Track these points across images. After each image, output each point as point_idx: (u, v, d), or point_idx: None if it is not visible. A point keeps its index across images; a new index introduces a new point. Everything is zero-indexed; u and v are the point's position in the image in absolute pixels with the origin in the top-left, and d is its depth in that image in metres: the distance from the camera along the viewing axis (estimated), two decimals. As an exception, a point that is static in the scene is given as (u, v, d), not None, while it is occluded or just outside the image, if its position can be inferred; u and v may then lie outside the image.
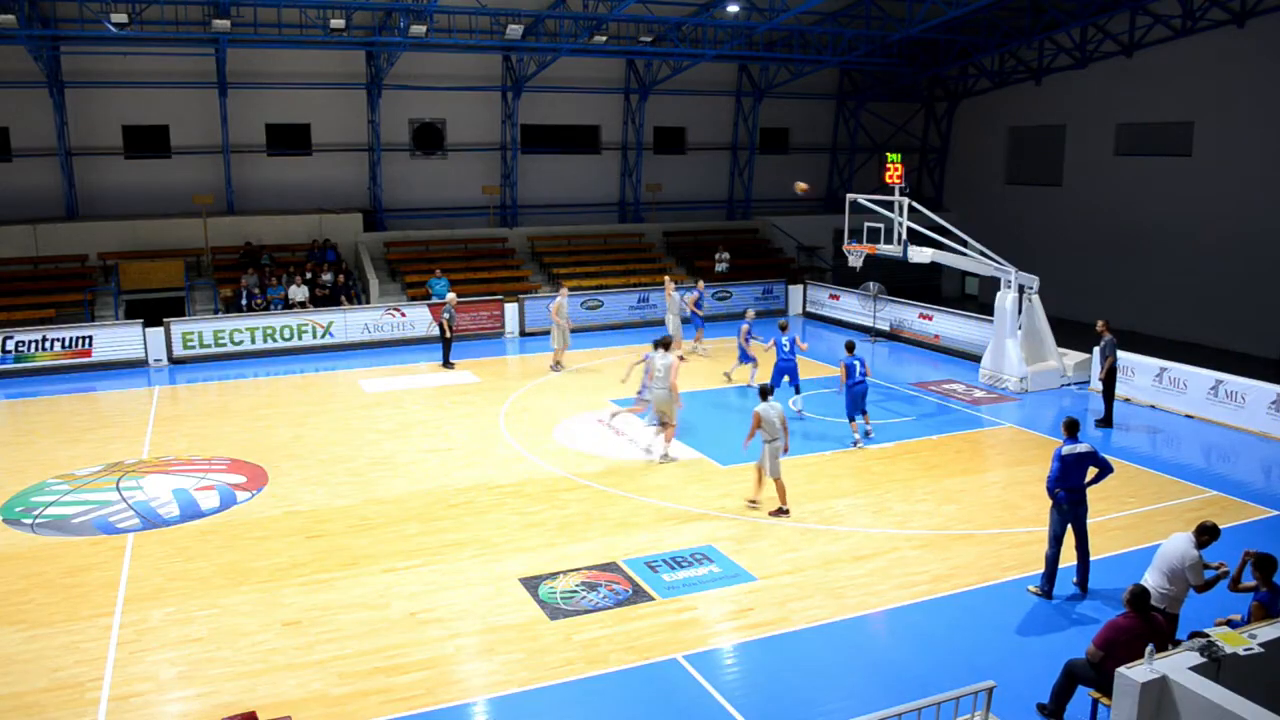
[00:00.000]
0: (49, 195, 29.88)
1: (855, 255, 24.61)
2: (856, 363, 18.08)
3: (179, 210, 30.65)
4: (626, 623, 11.28)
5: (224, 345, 26.50)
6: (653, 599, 11.84)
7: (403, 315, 28.36)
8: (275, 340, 26.99)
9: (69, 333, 25.22)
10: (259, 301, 28.22)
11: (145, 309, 27.31)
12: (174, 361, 26.06)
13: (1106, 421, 19.48)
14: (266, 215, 31.48)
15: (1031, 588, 12.03)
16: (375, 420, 20.11)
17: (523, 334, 29.29)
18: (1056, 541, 11.86)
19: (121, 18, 25.05)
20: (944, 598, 11.94)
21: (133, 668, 10.47)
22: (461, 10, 28.52)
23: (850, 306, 30.89)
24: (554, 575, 12.51)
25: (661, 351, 17.11)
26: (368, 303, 29.54)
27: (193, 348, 26.29)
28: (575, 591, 12.05)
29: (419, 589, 12.21)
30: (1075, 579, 12.10)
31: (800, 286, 33.56)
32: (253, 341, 26.80)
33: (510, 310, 29.44)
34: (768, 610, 11.50)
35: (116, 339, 25.60)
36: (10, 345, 24.64)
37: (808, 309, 33.10)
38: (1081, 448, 11.77)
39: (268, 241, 30.87)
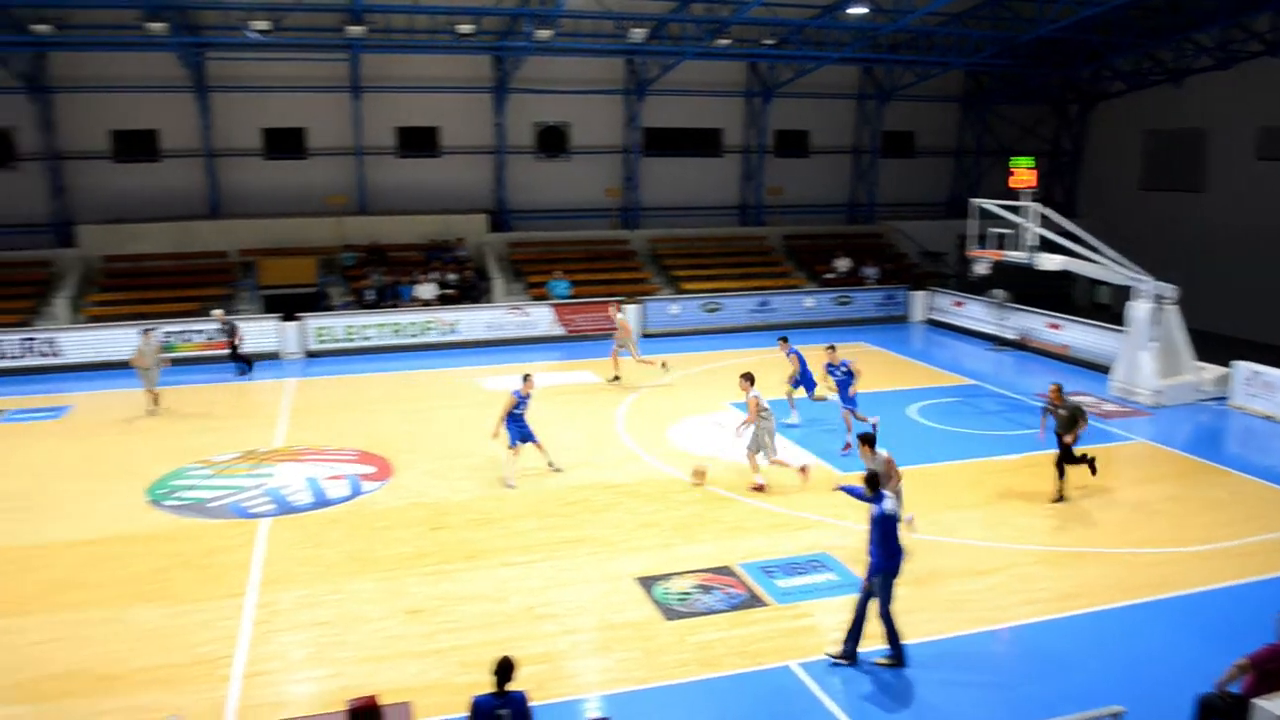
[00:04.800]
0: (194, 194, 31.37)
1: (981, 262, 24.05)
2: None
3: (313, 209, 31.84)
4: (741, 627, 11.28)
5: (354, 340, 27.43)
6: (767, 604, 11.80)
7: (524, 314, 28.89)
8: (402, 336, 27.84)
9: (210, 326, 26.42)
10: (388, 299, 29.11)
11: (281, 304, 28.44)
12: (307, 354, 27.09)
13: None
14: (395, 215, 32.41)
15: None
16: (492, 417, 20.50)
17: (643, 335, 29.50)
18: None
19: (263, 25, 26.15)
20: (1068, 617, 11.57)
21: (264, 647, 10.94)
22: (586, 14, 28.87)
23: (975, 314, 30.20)
24: (669, 576, 12.58)
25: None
26: (491, 302, 30.15)
27: (325, 342, 27.32)
28: (690, 593, 12.10)
29: (536, 584, 12.44)
30: None
31: (923, 293, 32.96)
32: (381, 337, 27.69)
33: (631, 311, 29.68)
34: (884, 620, 11.35)
35: (253, 332, 26.72)
36: (159, 336, 25.90)
37: (931, 316, 32.49)
38: None
39: (396, 241, 31.80)
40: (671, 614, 11.57)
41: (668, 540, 13.84)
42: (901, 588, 11.97)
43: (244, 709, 9.70)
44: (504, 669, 7.61)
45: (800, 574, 12.57)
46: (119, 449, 18.80)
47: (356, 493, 16.09)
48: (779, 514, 14.82)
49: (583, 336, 29.24)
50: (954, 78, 37.97)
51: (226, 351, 25.43)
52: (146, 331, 21.15)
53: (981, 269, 24.27)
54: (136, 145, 31.01)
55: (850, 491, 11.03)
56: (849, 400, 18.10)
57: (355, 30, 26.85)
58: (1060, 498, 15.43)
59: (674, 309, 30.52)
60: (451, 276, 30.27)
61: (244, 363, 25.35)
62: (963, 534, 14.08)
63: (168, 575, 12.95)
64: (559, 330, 29.24)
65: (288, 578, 12.77)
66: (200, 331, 26.35)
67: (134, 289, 29.05)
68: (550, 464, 16.90)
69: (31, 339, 26.03)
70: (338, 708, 7.98)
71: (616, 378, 23.81)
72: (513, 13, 28.54)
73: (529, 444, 16.47)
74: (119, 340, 25.59)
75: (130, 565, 13.25)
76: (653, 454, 17.79)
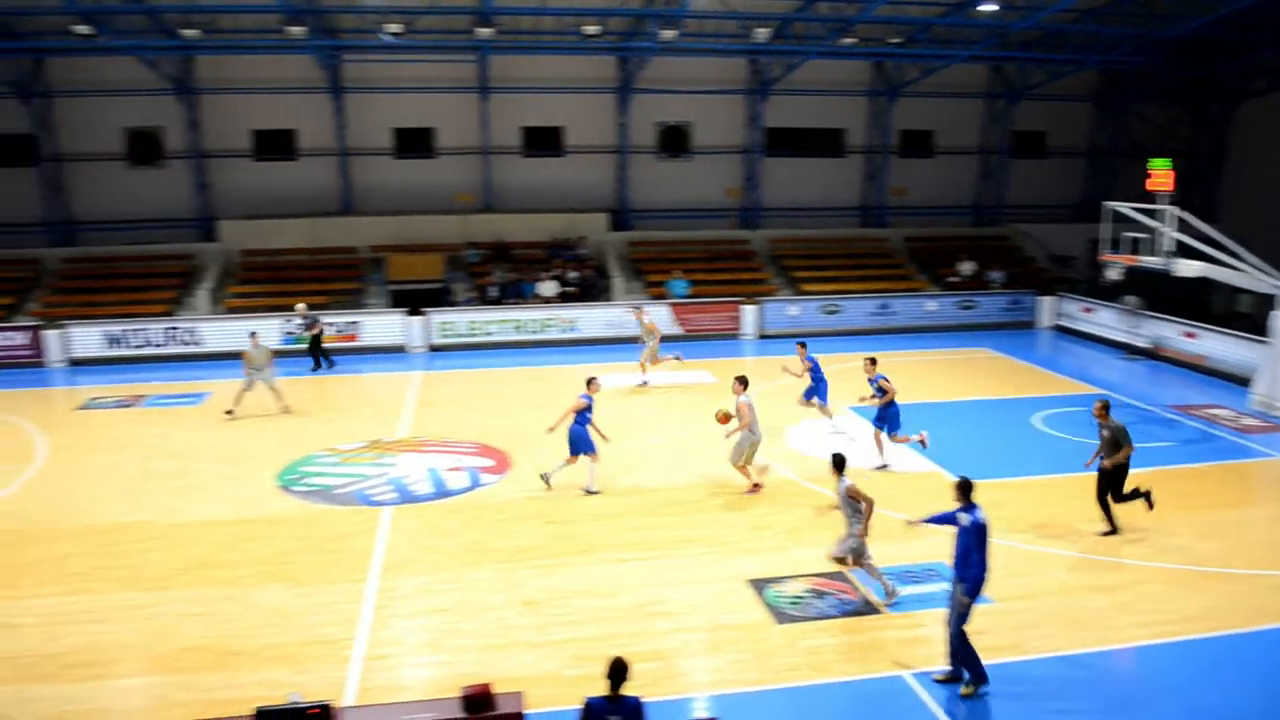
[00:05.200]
0: (327, 192, 32.54)
1: (1114, 267, 23.21)
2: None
3: (441, 207, 32.68)
4: (853, 633, 11.17)
5: (476, 335, 28.06)
6: (880, 612, 11.65)
7: (643, 313, 29.05)
8: (523, 332, 28.36)
9: (341, 318, 27.41)
10: (510, 296, 29.67)
11: (408, 299, 29.27)
12: (431, 348, 27.83)
13: None
14: (519, 214, 33.00)
15: None
16: (610, 414, 20.71)
17: (761, 336, 29.39)
18: None
19: (396, 28, 26.95)
20: (1196, 640, 11.08)
21: (384, 631, 11.31)
22: (710, 15, 28.89)
23: (1105, 321, 29.15)
24: (781, 579, 12.53)
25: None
26: (610, 300, 30.44)
27: (448, 336, 28.03)
28: (802, 597, 12.03)
29: (648, 581, 12.54)
30: None
31: (1051, 298, 31.96)
32: (502, 333, 28.25)
33: (749, 312, 29.63)
34: (1000, 635, 11.04)
35: (381, 325, 27.61)
36: (291, 328, 27.07)
37: (1058, 322, 31.49)
38: None
39: (519, 238, 32.39)
40: (783, 617, 11.53)
41: (780, 543, 13.78)
42: (1018, 601, 11.70)
43: (363, 690, 10.04)
44: (617, 672, 7.55)
45: (915, 582, 12.36)
46: (253, 435, 19.63)
47: (475, 484, 16.46)
48: (896, 520, 14.59)
49: (701, 336, 29.27)
50: (1087, 76, 36.67)
51: (308, 345, 26.04)
52: (254, 335, 21.93)
53: (1114, 274, 23.45)
54: (275, 144, 32.35)
55: (938, 521, 10.38)
56: (877, 419, 17.16)
57: (484, 32, 27.45)
58: (1112, 530, 13.94)
59: (793, 310, 30.31)
60: (572, 274, 30.70)
61: (324, 357, 25.99)
62: (1086, 548, 13.63)
63: (294, 558, 13.49)
64: (677, 329, 29.34)
65: (408, 565, 13.16)
66: (330, 324, 27.27)
67: (269, 282, 30.31)
68: (545, 478, 16.21)
69: (174, 328, 27.39)
70: (453, 693, 8.17)
71: (645, 382, 23.64)
72: (638, 13, 28.77)
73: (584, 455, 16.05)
74: (256, 330, 26.70)
75: (260, 547, 13.86)
76: (770, 455, 17.68)
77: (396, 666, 10.59)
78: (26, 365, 26.87)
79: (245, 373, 21.16)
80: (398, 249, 31.49)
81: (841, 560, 11.84)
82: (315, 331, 25.82)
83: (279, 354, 23.31)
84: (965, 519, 9.78)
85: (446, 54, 30.58)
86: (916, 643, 10.94)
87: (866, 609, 11.71)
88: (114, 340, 27.16)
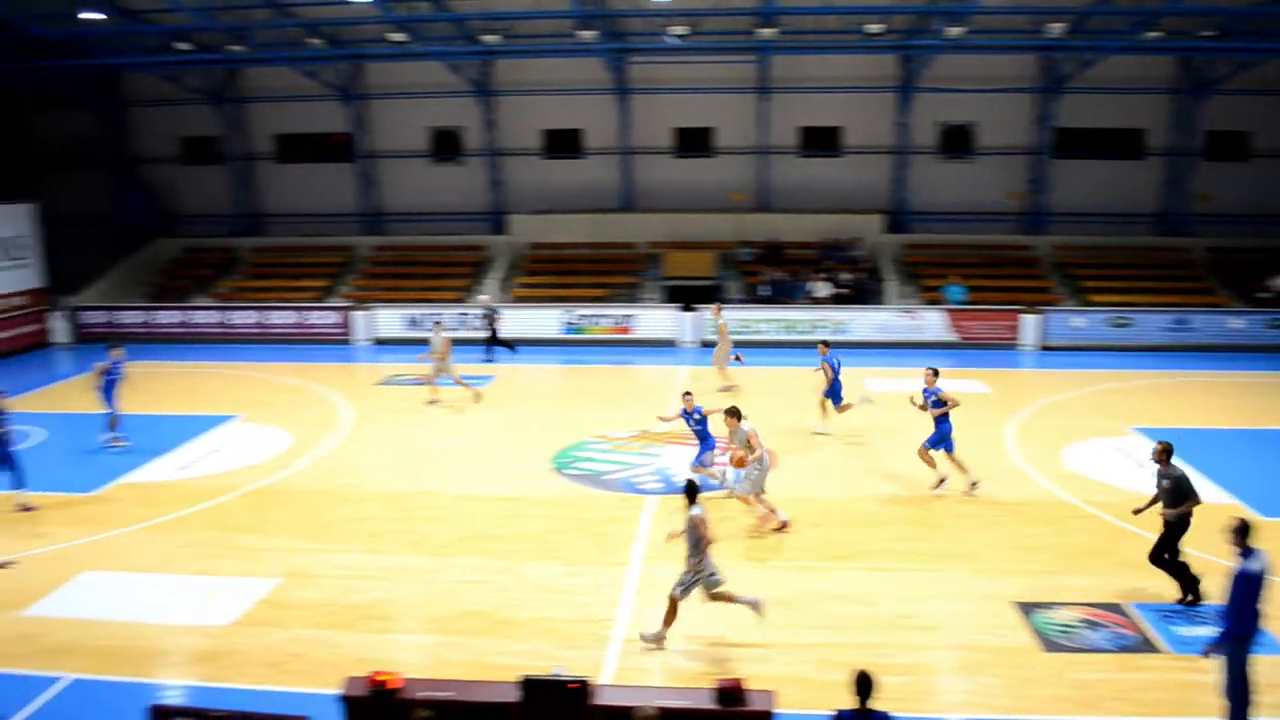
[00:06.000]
0: (609, 189, 33.82)
1: None
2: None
3: (716, 205, 33.19)
4: (1129, 671, 10.47)
5: (746, 333, 28.29)
6: (1162, 652, 10.85)
7: (916, 318, 28.39)
8: (793, 332, 28.36)
9: (617, 311, 28.47)
10: (782, 296, 29.75)
11: (681, 294, 29.95)
12: (701, 344, 28.37)
13: None
14: (793, 214, 32.98)
15: None
16: (876, 420, 20.39)
17: (1043, 348, 27.92)
18: None
19: (681, 30, 27.60)
20: None
21: (642, 616, 11.69)
22: (1001, 10, 27.70)
23: None
24: (1052, 605, 11.89)
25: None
26: (883, 303, 29.89)
27: (717, 333, 28.36)
28: (1074, 626, 11.39)
29: (907, 593, 12.28)
30: None
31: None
32: (772, 332, 28.37)
33: (1029, 322, 28.22)
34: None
35: (654, 320, 28.44)
36: (571, 318, 28.42)
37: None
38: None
39: (792, 238, 32.38)
40: (1051, 645, 10.97)
41: (1051, 566, 13.11)
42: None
43: (619, 670, 10.45)
44: (863, 685, 7.46)
45: (1205, 624, 11.37)
46: (531, 418, 20.78)
47: (738, 480, 16.62)
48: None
49: (976, 345, 28.21)
50: None
51: (486, 336, 27.15)
52: (437, 324, 22.95)
53: None
54: (563, 143, 34.00)
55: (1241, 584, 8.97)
56: (934, 439, 15.87)
57: (766, 32, 27.62)
58: (1191, 598, 11.87)
59: (1078, 321, 28.59)
60: (845, 276, 30.37)
61: (505, 346, 27.08)
62: None
63: (562, 538, 14.19)
64: (951, 336, 28.41)
65: (669, 554, 13.44)
66: (607, 316, 28.38)
67: (553, 274, 31.95)
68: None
69: (465, 314, 29.31)
70: (704, 684, 8.36)
71: (729, 386, 22.92)
72: (924, 10, 28.02)
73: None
74: (539, 319, 28.48)
75: (531, 524, 14.68)
76: (1045, 475, 16.85)
77: (651, 651, 10.93)
78: (337, 342, 29.71)
79: (434, 368, 22.04)
80: (673, 246, 32.29)
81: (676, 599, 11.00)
82: (494, 324, 27.18)
83: (561, 343, 24.58)
84: (1237, 567, 8.83)
85: (728, 55, 30.98)
86: (1198, 688, 10.10)
87: (1145, 646, 10.94)
88: (413, 322, 29.44)
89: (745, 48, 30.18)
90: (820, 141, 33.60)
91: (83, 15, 27.44)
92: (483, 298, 28.26)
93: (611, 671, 10.45)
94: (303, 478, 17.28)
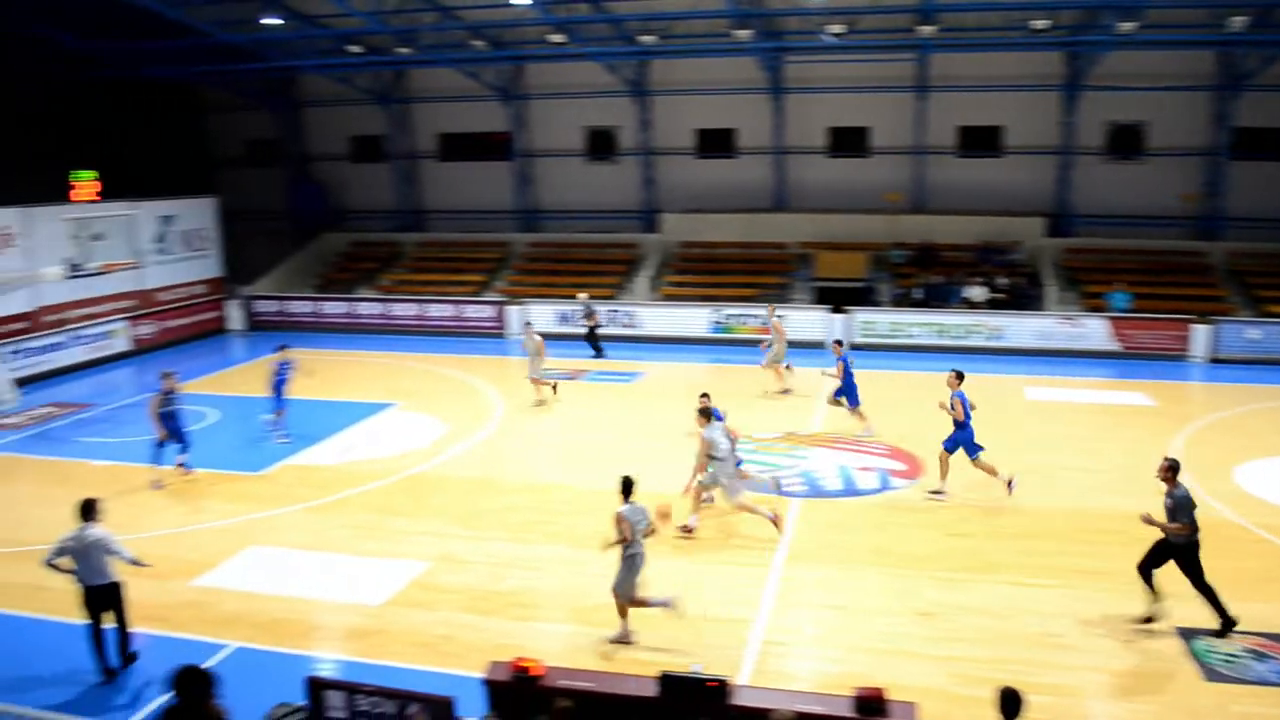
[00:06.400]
0: (762, 188, 33.73)
1: None
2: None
3: (869, 206, 32.65)
4: (1296, 706, 9.92)
5: (897, 337, 27.87)
6: (1336, 687, 10.23)
7: (1077, 325, 27.36)
8: (946, 337, 27.73)
9: (763, 311, 28.32)
10: (935, 299, 29.12)
11: (831, 296, 29.64)
12: (851, 347, 27.94)
13: None
14: (949, 215, 32.17)
15: None
16: (1029, 428, 19.79)
17: (1213, 360, 26.46)
18: None
19: (838, 29, 27.27)
20: None
21: (781, 618, 11.73)
22: (1177, 4, 26.37)
23: None
24: (1216, 632, 11.32)
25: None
26: (1042, 309, 28.88)
27: (869, 336, 28.08)
28: (1239, 656, 10.84)
29: (1050, 609, 11.91)
30: None
31: None
32: (924, 336, 27.81)
33: (1200, 332, 26.80)
34: None
35: (804, 321, 28.22)
36: (719, 317, 28.53)
37: None
38: None
39: (947, 240, 31.59)
40: (1212, 675, 10.46)
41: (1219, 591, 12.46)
42: None
43: (756, 671, 10.51)
44: (1009, 703, 7.28)
45: (1380, 659, 10.70)
46: (676, 416, 20.92)
47: (885, 487, 16.47)
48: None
49: (1141, 354, 26.97)
50: None
51: (585, 332, 27.55)
52: (528, 325, 23.36)
53: None
54: (716, 142, 34.09)
55: None
56: (949, 441, 15.80)
57: (926, 30, 27.03)
58: (1149, 620, 11.44)
59: (1253, 333, 26.95)
60: (1002, 280, 29.46)
61: (596, 346, 27.35)
62: None
63: (705, 535, 14.31)
64: (1114, 345, 27.25)
65: (811, 558, 13.50)
66: (755, 316, 28.34)
67: (703, 273, 32.12)
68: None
69: (616, 311, 29.77)
70: (843, 691, 8.34)
71: (787, 389, 22.96)
72: (1094, 5, 26.90)
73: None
74: (687, 317, 28.71)
75: (678, 520, 14.76)
76: (1212, 494, 15.99)
77: (789, 655, 10.96)
78: (491, 335, 30.59)
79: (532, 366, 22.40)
80: (825, 246, 31.97)
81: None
82: (593, 322, 27.47)
83: (708, 341, 24.68)
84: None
85: (886, 53, 30.45)
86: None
87: (1315, 680, 10.35)
88: (563, 318, 30.05)
89: (904, 46, 29.61)
90: (979, 141, 32.66)
91: (264, 21, 29.04)
92: (581, 296, 28.69)
93: (749, 672, 10.51)
94: (454, 466, 17.94)
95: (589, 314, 27.90)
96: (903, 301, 29.58)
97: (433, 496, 16.30)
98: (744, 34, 27.59)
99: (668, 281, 32.26)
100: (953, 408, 15.66)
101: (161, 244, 31.32)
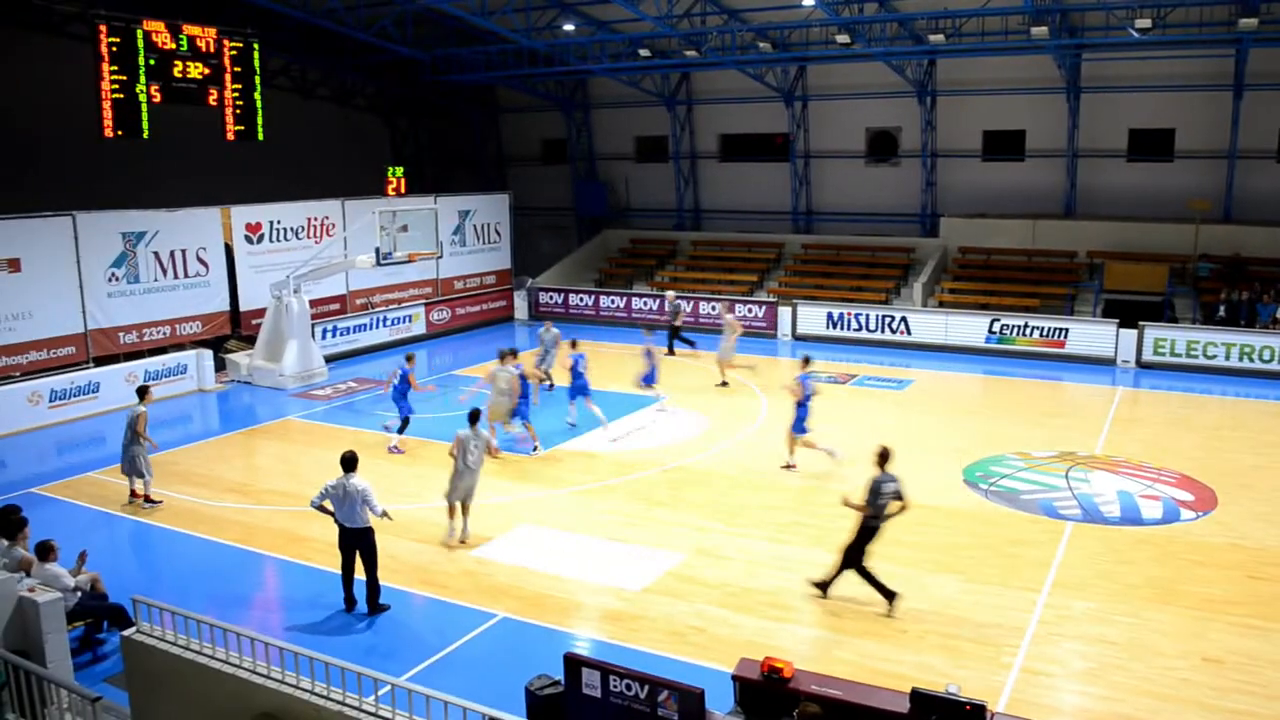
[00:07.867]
0: (1050, 193, 32.02)
1: None
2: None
3: (1170, 215, 30.19)
4: None
5: (1195, 357, 25.73)
6: None
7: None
8: (1252, 360, 25.27)
9: (1048, 323, 27.00)
10: (1242, 317, 26.63)
11: (1122, 310, 27.77)
12: (1140, 365, 26.16)
13: None
14: (1263, 225, 29.26)
15: None
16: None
17: None
18: None
19: (1145, 23, 25.42)
20: None
21: (1046, 647, 11.19)
22: None
23: None
24: None
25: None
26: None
27: (1163, 354, 26.09)
28: None
29: (1369, 670, 10.71)
30: None
31: None
32: (1226, 358, 25.48)
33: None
34: None
35: (1090, 335, 26.66)
36: (996, 327, 27.38)
37: None
38: None
39: (1260, 254, 28.72)
40: None
41: None
42: None
43: (1014, 701, 10.06)
44: None
45: None
46: (947, 426, 20.40)
47: (1171, 518, 15.32)
48: None
49: None
50: None
51: (669, 330, 27.74)
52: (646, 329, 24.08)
53: None
54: (1004, 145, 32.67)
55: None
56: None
57: (1248, 23, 24.73)
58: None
59: None
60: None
61: (683, 342, 27.40)
62: None
63: (969, 553, 13.88)
64: None
65: (1082, 586, 12.78)
66: (1037, 327, 27.03)
67: (982, 280, 30.93)
68: None
69: (889, 316, 29.21)
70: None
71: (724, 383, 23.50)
72: None
73: None
74: (964, 326, 27.73)
75: (938, 535, 14.48)
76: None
77: (1052, 687, 10.45)
78: (762, 336, 30.73)
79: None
80: (1117, 256, 29.94)
81: None
82: (678, 321, 27.78)
83: (984, 351, 23.71)
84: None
85: (1199, 49, 28.09)
86: None
87: None
88: (834, 321, 29.79)
89: (1219, 40, 27.21)
90: (1306, 145, 29.53)
91: (566, 27, 30.66)
92: (669, 294, 28.48)
93: (1006, 699, 10.12)
94: (717, 461, 18.27)
95: (676, 312, 28.13)
96: (1207, 319, 27.23)
97: (694, 490, 16.68)
98: (1040, 30, 26.25)
99: (944, 287, 31.25)
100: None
101: (458, 236, 33.62)
